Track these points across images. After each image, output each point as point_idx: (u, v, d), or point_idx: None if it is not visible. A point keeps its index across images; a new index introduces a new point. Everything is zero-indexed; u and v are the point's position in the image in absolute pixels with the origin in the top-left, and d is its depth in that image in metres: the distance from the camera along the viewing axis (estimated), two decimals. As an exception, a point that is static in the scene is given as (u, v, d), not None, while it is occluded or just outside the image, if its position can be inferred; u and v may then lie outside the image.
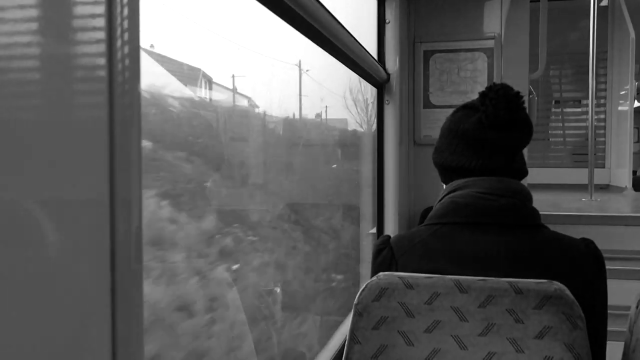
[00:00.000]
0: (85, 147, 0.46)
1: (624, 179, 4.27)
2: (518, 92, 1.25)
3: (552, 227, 1.24)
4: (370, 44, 2.29)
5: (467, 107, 1.32)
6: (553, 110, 4.98)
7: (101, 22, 0.47)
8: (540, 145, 4.88)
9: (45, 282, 0.41)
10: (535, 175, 3.39)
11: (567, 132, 4.92)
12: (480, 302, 1.07)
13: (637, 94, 4.52)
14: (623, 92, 4.47)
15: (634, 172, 4.27)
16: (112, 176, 0.47)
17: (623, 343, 1.29)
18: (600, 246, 1.22)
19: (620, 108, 4.53)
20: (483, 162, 1.26)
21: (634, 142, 4.25)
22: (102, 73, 0.47)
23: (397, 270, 1.20)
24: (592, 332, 1.11)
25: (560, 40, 4.71)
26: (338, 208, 3.14)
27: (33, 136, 0.41)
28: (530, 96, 2.57)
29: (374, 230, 2.54)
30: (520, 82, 2.41)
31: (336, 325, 2.25)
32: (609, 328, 1.21)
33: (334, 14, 1.40)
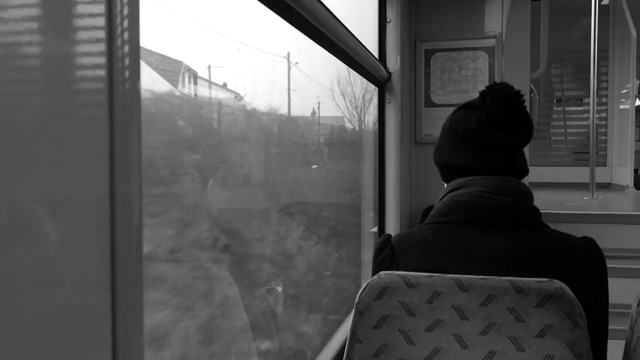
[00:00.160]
0: (85, 146, 0.46)
1: (626, 177, 4.26)
2: (518, 91, 1.25)
3: (553, 226, 1.24)
4: (371, 43, 2.29)
5: (467, 106, 1.32)
6: (554, 108, 4.97)
7: (101, 21, 0.47)
8: (542, 143, 4.88)
9: (45, 281, 0.42)
10: (536, 174, 3.39)
11: (568, 130, 4.91)
12: (481, 301, 1.07)
13: (639, 92, 4.51)
14: (624, 91, 4.46)
15: (636, 171, 4.27)
16: (112, 175, 0.47)
17: (624, 341, 1.29)
18: (601, 245, 1.22)
19: (621, 106, 4.53)
20: (484, 161, 1.26)
21: (636, 141, 4.25)
22: (102, 72, 0.47)
23: (398, 269, 1.20)
24: (593, 330, 1.11)
25: (561, 39, 4.71)
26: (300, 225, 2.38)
27: (33, 135, 0.41)
28: (532, 95, 2.56)
29: (375, 230, 2.54)
30: (521, 81, 2.41)
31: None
32: (610, 326, 1.21)
33: (335, 13, 1.40)
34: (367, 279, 1.22)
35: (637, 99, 4.33)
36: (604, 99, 4.67)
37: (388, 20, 2.32)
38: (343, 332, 2.05)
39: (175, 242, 1.43)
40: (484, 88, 1.28)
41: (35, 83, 0.42)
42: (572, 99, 4.95)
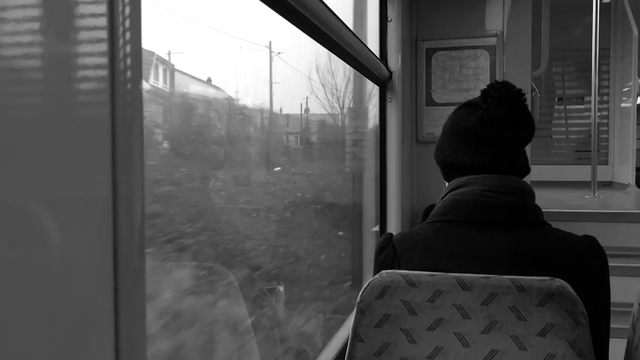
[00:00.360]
0: (87, 145, 0.46)
1: (627, 175, 4.26)
2: (520, 90, 1.25)
3: (555, 225, 1.24)
4: (372, 42, 2.29)
5: (468, 105, 1.32)
6: (556, 107, 4.97)
7: (103, 21, 0.47)
8: (543, 142, 4.87)
9: (48, 280, 0.42)
10: (538, 173, 3.39)
11: (570, 129, 4.91)
12: (483, 299, 1.07)
13: (640, 90, 4.50)
14: (626, 89, 4.46)
15: (637, 169, 4.26)
16: (114, 174, 0.47)
17: (626, 340, 1.29)
18: (603, 243, 1.22)
19: (623, 105, 4.52)
20: (485, 159, 1.26)
21: (637, 139, 4.24)
22: (104, 72, 0.47)
23: (399, 268, 1.20)
24: (594, 329, 1.11)
25: (562, 37, 4.70)
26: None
27: (36, 135, 0.41)
28: (533, 93, 2.56)
29: (376, 229, 2.54)
30: (522, 80, 2.41)
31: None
32: (612, 325, 1.21)
33: (336, 12, 1.40)
34: (369, 277, 1.22)
35: (639, 97, 4.33)
36: (605, 97, 4.67)
37: (389, 19, 2.32)
38: (345, 331, 2.05)
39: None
40: (485, 87, 1.28)
41: (38, 83, 0.42)
42: (574, 98, 4.94)
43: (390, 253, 1.24)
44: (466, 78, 2.49)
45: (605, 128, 4.67)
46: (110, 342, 0.48)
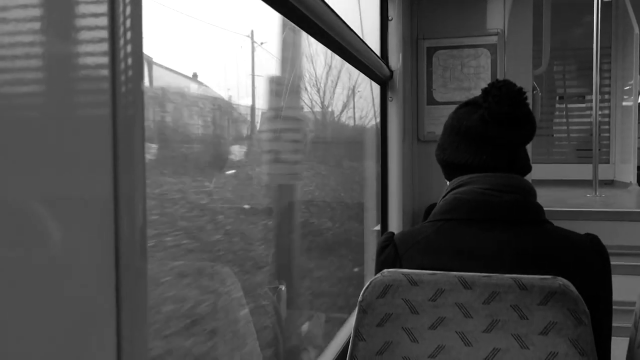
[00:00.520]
0: (89, 145, 0.46)
1: (629, 174, 4.26)
2: (521, 88, 1.25)
3: (556, 223, 1.24)
4: (373, 41, 2.28)
5: (469, 104, 1.32)
6: (557, 106, 4.97)
7: (104, 21, 0.47)
8: (545, 141, 4.87)
9: (49, 279, 0.42)
10: (539, 171, 3.39)
11: (571, 127, 4.91)
12: (485, 298, 1.07)
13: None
14: (627, 88, 4.46)
15: (639, 168, 4.26)
16: (115, 174, 0.47)
17: (628, 339, 1.29)
18: (604, 242, 1.21)
19: (624, 103, 4.52)
20: (486, 158, 1.26)
21: (639, 137, 4.24)
22: (105, 72, 0.47)
23: (401, 267, 1.20)
24: (596, 327, 1.11)
25: (563, 36, 4.70)
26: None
27: (37, 135, 0.41)
28: (534, 92, 2.56)
29: (378, 227, 2.54)
30: (524, 78, 2.41)
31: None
32: (614, 324, 1.21)
33: (337, 11, 1.40)
34: (370, 276, 1.22)
35: (640, 96, 4.32)
36: (606, 96, 4.66)
37: (390, 18, 2.32)
38: (347, 330, 2.05)
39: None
40: (486, 85, 1.28)
41: (39, 83, 0.42)
42: (575, 96, 4.94)
43: (391, 252, 1.24)
44: (467, 77, 2.49)
45: (607, 126, 4.67)
46: (112, 342, 0.48)
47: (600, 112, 3.92)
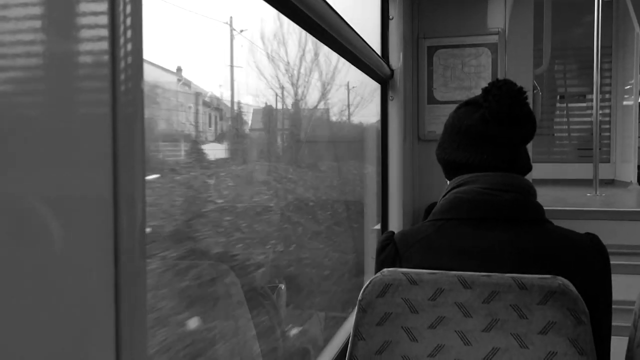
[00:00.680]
0: (88, 143, 0.46)
1: (629, 173, 4.26)
2: (521, 88, 1.25)
3: (556, 222, 1.24)
4: (374, 40, 2.28)
5: (470, 103, 1.32)
6: (558, 105, 4.96)
7: (104, 19, 0.47)
8: (545, 140, 4.87)
9: (48, 278, 0.42)
10: (540, 171, 3.39)
11: (571, 127, 4.91)
12: (484, 297, 1.07)
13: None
14: (628, 87, 4.45)
15: (639, 167, 4.26)
16: (115, 173, 0.47)
17: (627, 338, 1.29)
18: (604, 241, 1.21)
19: (625, 103, 4.52)
20: (486, 158, 1.26)
21: (639, 137, 4.24)
22: (105, 71, 0.47)
23: (401, 267, 1.20)
24: (596, 327, 1.11)
25: (564, 35, 4.70)
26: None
27: (37, 133, 0.41)
28: (535, 91, 2.56)
29: (378, 227, 2.54)
30: (524, 77, 2.41)
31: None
32: (613, 323, 1.21)
33: (337, 10, 1.40)
34: (370, 275, 1.22)
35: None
36: (607, 95, 4.66)
37: (390, 17, 2.32)
38: (346, 329, 2.05)
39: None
40: (486, 85, 1.28)
41: (39, 82, 0.42)
42: (575, 95, 4.94)
43: (391, 251, 1.24)
44: (468, 76, 2.49)
45: (607, 126, 4.67)
46: (110, 341, 0.48)
47: (600, 112, 3.92)
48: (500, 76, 2.43)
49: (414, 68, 2.54)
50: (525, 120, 1.25)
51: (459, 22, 2.50)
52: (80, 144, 0.45)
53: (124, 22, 0.49)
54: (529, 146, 1.37)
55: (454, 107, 1.38)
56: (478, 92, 1.32)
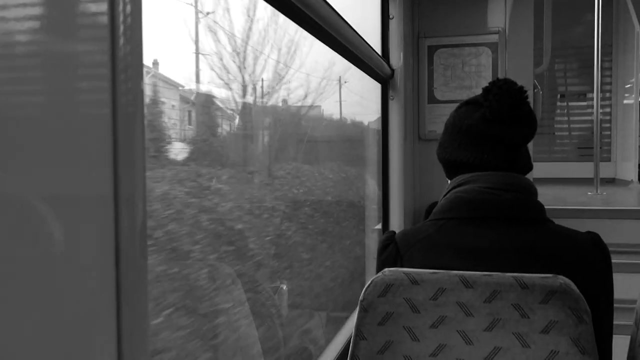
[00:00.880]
0: (89, 143, 0.46)
1: (630, 172, 4.25)
2: (521, 87, 1.24)
3: (557, 221, 1.24)
4: (374, 39, 2.28)
5: (470, 103, 1.32)
6: (558, 104, 4.96)
7: (104, 19, 0.47)
8: (546, 139, 4.87)
9: (49, 278, 0.42)
10: (540, 170, 3.39)
11: (572, 125, 4.90)
12: (486, 297, 1.07)
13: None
14: (628, 86, 4.45)
15: (640, 166, 4.26)
16: (116, 172, 0.47)
17: (629, 337, 1.29)
18: (606, 240, 1.21)
19: (625, 101, 4.52)
20: (487, 157, 1.26)
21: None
22: (105, 70, 0.47)
23: (402, 266, 1.20)
24: (597, 326, 1.11)
25: (564, 34, 4.69)
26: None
27: (37, 133, 0.41)
28: (535, 90, 2.56)
29: (379, 226, 2.54)
30: (524, 77, 2.40)
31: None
32: (615, 322, 1.21)
33: (337, 10, 1.40)
34: (371, 275, 1.22)
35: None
36: (607, 94, 4.66)
37: (391, 16, 2.32)
38: (348, 329, 2.05)
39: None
40: (487, 84, 1.28)
41: (39, 82, 0.42)
42: (576, 94, 4.94)
43: (392, 251, 1.24)
44: (468, 75, 2.49)
45: (608, 125, 4.66)
46: (112, 340, 0.48)
47: (601, 110, 3.92)
48: (500, 75, 2.43)
49: (414, 67, 2.53)
50: (526, 119, 1.25)
51: (460, 21, 2.50)
52: (81, 144, 0.45)
53: (124, 22, 0.48)
54: (530, 145, 1.36)
55: (454, 106, 1.38)
56: (478, 91, 1.32)
